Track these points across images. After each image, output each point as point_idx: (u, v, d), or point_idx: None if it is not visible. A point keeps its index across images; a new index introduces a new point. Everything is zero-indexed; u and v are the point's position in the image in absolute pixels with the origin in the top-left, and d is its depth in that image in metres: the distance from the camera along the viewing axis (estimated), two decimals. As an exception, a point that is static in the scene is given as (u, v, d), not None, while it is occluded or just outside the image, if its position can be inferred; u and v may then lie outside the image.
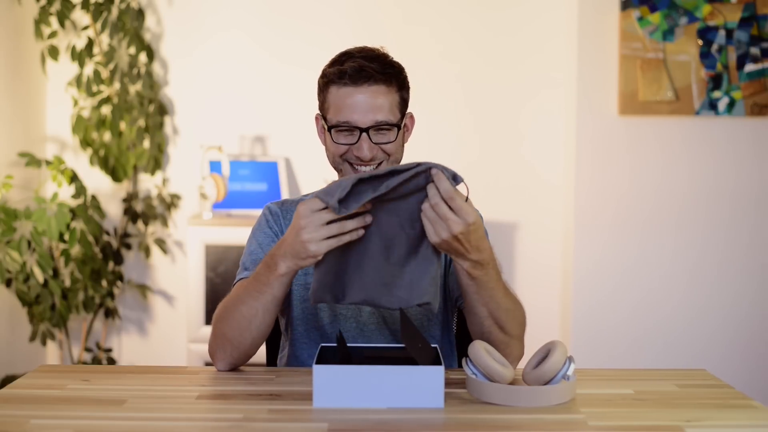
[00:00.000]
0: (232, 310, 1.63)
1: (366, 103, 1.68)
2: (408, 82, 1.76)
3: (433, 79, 3.58)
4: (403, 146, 1.77)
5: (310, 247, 1.49)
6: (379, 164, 1.72)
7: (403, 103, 1.74)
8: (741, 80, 3.32)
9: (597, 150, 3.39)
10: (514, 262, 3.61)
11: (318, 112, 1.78)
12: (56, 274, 3.35)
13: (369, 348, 1.59)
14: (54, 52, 3.45)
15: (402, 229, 1.50)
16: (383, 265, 1.51)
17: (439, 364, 1.44)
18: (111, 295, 3.52)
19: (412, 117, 1.81)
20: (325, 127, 1.74)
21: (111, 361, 3.58)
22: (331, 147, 1.73)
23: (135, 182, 3.64)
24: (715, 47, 3.31)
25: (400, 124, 1.72)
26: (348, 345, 1.59)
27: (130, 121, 3.49)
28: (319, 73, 1.77)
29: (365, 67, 1.68)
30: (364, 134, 1.68)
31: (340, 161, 1.73)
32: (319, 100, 1.76)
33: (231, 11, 3.62)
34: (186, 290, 3.45)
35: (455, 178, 1.45)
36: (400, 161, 1.77)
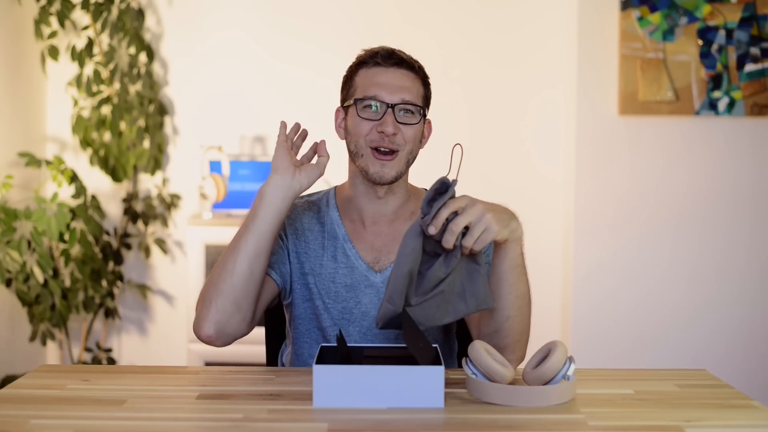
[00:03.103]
0: (221, 258, 1.67)
1: (395, 81, 1.73)
2: (430, 90, 1.81)
3: (433, 79, 3.56)
4: (420, 142, 1.79)
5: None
6: (395, 153, 1.72)
7: (425, 100, 1.79)
8: (741, 80, 3.32)
9: (597, 150, 3.39)
10: (514, 262, 3.61)
11: (338, 106, 1.80)
12: (56, 274, 3.34)
13: (369, 348, 1.59)
14: (54, 52, 3.45)
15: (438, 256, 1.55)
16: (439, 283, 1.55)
17: (439, 364, 1.44)
18: (111, 295, 3.52)
19: (429, 124, 1.82)
20: (352, 103, 1.75)
21: (111, 361, 3.58)
22: (353, 128, 1.74)
23: (135, 182, 3.64)
24: (715, 47, 3.31)
25: (424, 110, 1.76)
26: (348, 345, 1.59)
27: (130, 121, 3.49)
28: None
29: (396, 52, 1.76)
30: (390, 110, 1.71)
31: (363, 145, 1.73)
32: (342, 92, 1.79)
33: (231, 11, 3.62)
34: (186, 290, 3.45)
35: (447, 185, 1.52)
36: (414, 156, 1.78)
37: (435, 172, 3.74)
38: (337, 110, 1.80)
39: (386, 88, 1.72)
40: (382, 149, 1.71)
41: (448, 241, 1.50)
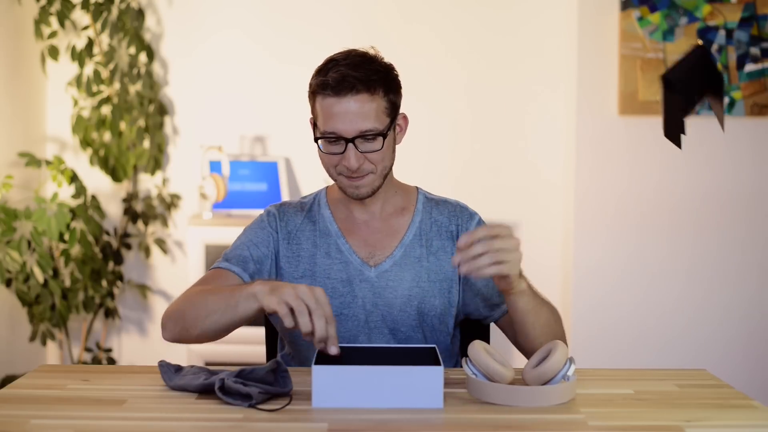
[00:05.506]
0: (198, 301, 1.63)
1: (350, 112, 1.67)
2: (398, 83, 1.74)
3: (433, 79, 3.58)
4: (393, 150, 1.77)
5: (289, 290, 1.47)
6: (366, 176, 1.72)
7: (392, 106, 1.73)
8: (741, 80, 3.32)
9: (597, 150, 3.39)
10: (514, 262, 3.60)
11: (311, 116, 1.78)
12: (56, 274, 3.34)
13: (369, 348, 1.59)
14: (54, 52, 3.45)
15: None
16: None
17: (439, 364, 1.44)
18: (111, 295, 3.52)
19: (405, 118, 1.80)
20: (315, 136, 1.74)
21: (111, 361, 3.58)
22: (322, 157, 1.74)
23: (135, 182, 3.64)
24: (715, 47, 3.31)
25: (386, 131, 1.71)
26: (347, 345, 1.59)
27: (130, 121, 3.49)
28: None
29: (347, 77, 1.66)
30: (350, 144, 1.68)
31: (334, 173, 1.75)
32: (310, 105, 1.76)
33: (231, 11, 3.62)
34: (186, 290, 3.44)
35: None
36: (389, 168, 1.77)
37: (430, 169, 3.74)
38: (311, 120, 1.78)
39: (342, 121, 1.67)
40: (354, 175, 1.72)
41: (477, 267, 1.52)
